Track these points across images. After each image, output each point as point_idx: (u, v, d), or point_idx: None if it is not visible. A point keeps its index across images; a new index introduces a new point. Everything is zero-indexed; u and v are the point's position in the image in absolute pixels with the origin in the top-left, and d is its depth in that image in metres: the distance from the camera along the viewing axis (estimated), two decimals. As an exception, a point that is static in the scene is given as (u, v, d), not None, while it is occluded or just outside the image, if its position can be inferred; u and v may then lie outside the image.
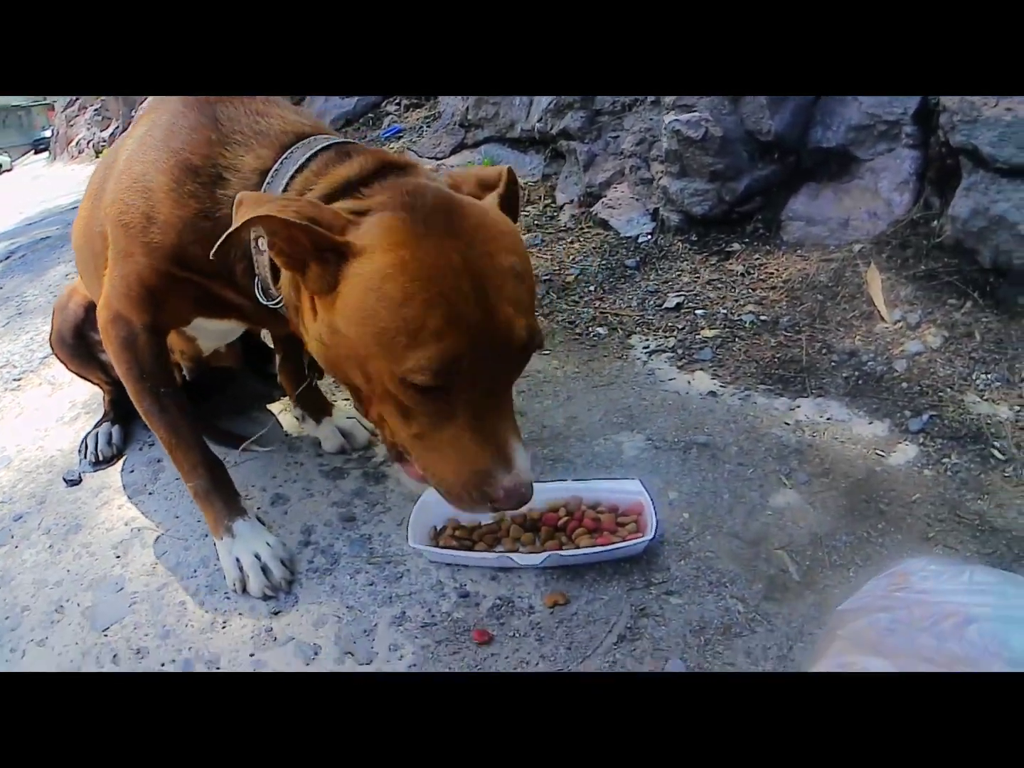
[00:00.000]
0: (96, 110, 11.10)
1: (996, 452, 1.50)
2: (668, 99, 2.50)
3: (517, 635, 1.17)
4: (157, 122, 1.28)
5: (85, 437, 1.90)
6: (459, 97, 3.74)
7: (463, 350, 0.93)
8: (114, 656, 1.28)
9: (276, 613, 1.30)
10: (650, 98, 2.66)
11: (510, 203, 1.13)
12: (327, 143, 1.14)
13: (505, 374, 1.01)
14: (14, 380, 2.51)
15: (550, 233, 2.71)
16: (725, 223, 2.41)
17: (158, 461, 1.79)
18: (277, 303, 1.16)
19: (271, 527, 1.47)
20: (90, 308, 1.75)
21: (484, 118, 3.44)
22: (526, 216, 2.91)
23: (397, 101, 4.65)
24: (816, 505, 1.40)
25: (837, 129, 2.25)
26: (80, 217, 1.62)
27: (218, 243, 0.98)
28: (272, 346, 2.07)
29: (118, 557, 1.52)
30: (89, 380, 1.96)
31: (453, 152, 3.60)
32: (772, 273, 2.16)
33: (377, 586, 1.31)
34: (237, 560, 1.36)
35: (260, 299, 1.18)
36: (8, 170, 22.72)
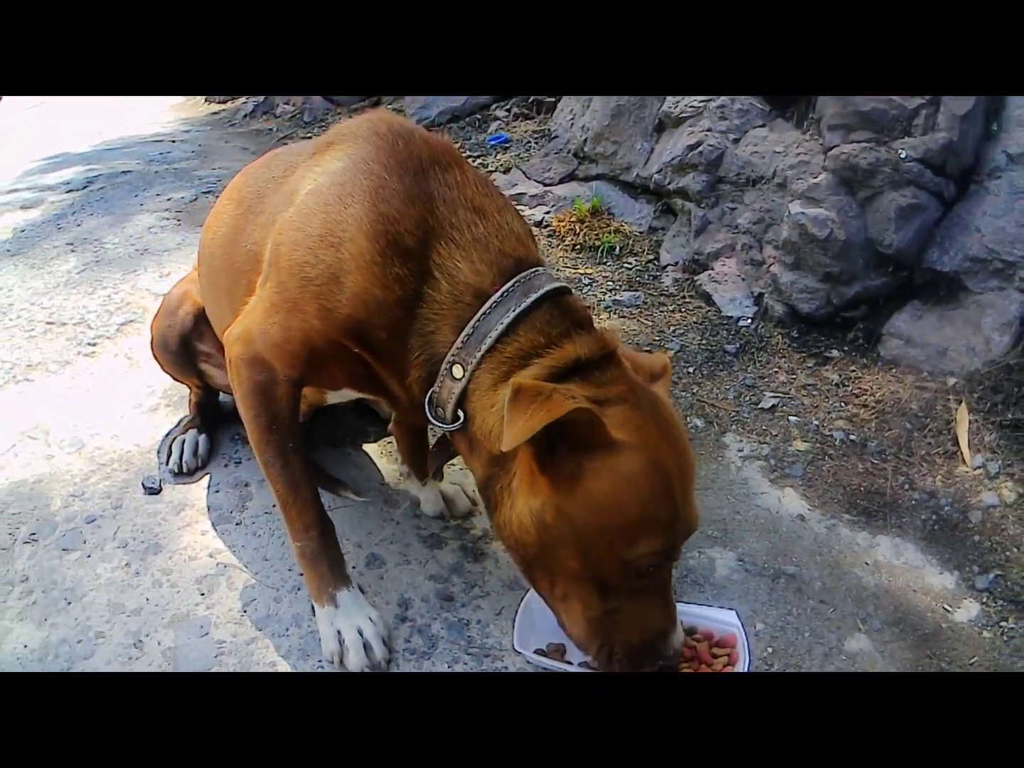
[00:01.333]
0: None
1: (1052, 623, 1.66)
2: (795, 186, 2.62)
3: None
4: (358, 165, 1.24)
5: (168, 441, 1.88)
6: (575, 124, 3.84)
7: (678, 540, 1.13)
8: None
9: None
10: (776, 179, 2.77)
11: None
12: (546, 290, 1.17)
13: (680, 551, 1.19)
14: (89, 344, 2.45)
15: (652, 295, 2.86)
16: (827, 326, 2.54)
17: (246, 485, 1.82)
18: (448, 426, 1.20)
19: (367, 592, 1.51)
20: (199, 317, 1.75)
21: (601, 154, 3.54)
22: (627, 268, 3.05)
23: (507, 108, 4.71)
24: (886, 655, 1.57)
25: (954, 255, 2.36)
26: (219, 221, 1.58)
27: (512, 441, 1.00)
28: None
29: (203, 595, 1.54)
30: (181, 382, 1.94)
31: (562, 181, 3.71)
32: (865, 390, 2.30)
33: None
34: (338, 632, 1.35)
35: (427, 414, 1.21)
36: None
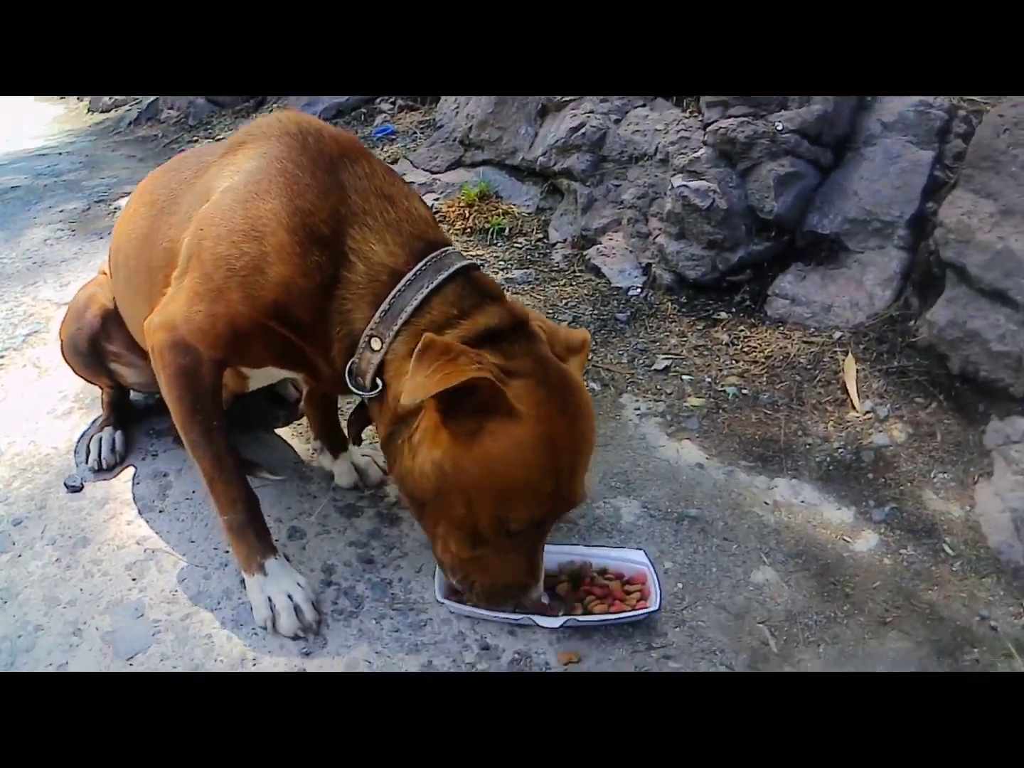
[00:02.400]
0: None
1: (947, 547, 1.68)
2: (677, 161, 2.65)
3: (533, 690, 1.29)
4: (272, 163, 1.29)
5: (86, 440, 1.87)
6: (460, 113, 3.81)
7: (554, 512, 1.22)
8: None
9: (307, 654, 1.35)
10: (659, 155, 2.80)
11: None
12: (457, 267, 1.24)
13: (556, 521, 1.29)
14: None
15: (543, 272, 2.83)
16: (715, 290, 2.56)
17: (164, 475, 1.81)
18: (367, 393, 1.26)
19: (291, 561, 1.51)
20: (107, 318, 1.77)
21: (486, 140, 3.53)
22: (517, 248, 3.02)
23: (392, 100, 4.69)
24: (791, 584, 1.55)
25: (834, 218, 2.42)
26: (131, 224, 1.59)
27: (415, 396, 1.08)
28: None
29: (134, 580, 1.53)
30: (93, 383, 1.95)
31: (449, 168, 3.68)
32: (755, 347, 2.32)
33: (402, 633, 1.39)
34: (269, 599, 1.38)
35: (347, 383, 1.27)
36: None
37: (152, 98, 6.56)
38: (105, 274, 1.87)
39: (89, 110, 8.10)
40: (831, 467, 1.89)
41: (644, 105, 2.96)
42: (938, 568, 1.62)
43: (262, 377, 1.57)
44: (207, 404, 1.36)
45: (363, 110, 4.66)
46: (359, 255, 1.24)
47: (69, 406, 2.11)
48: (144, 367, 1.77)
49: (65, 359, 1.89)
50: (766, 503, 1.76)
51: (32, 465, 1.87)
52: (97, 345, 1.78)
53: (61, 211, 3.84)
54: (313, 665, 1.33)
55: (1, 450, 1.94)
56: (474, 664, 1.33)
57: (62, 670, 1.33)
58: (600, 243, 2.89)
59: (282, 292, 1.24)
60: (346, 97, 4.75)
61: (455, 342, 1.13)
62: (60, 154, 5.54)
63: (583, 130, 3.00)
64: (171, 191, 1.51)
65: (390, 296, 1.22)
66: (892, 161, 2.37)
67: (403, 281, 1.22)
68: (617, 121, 2.97)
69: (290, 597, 1.38)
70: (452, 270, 1.23)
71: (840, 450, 1.94)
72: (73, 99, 9.92)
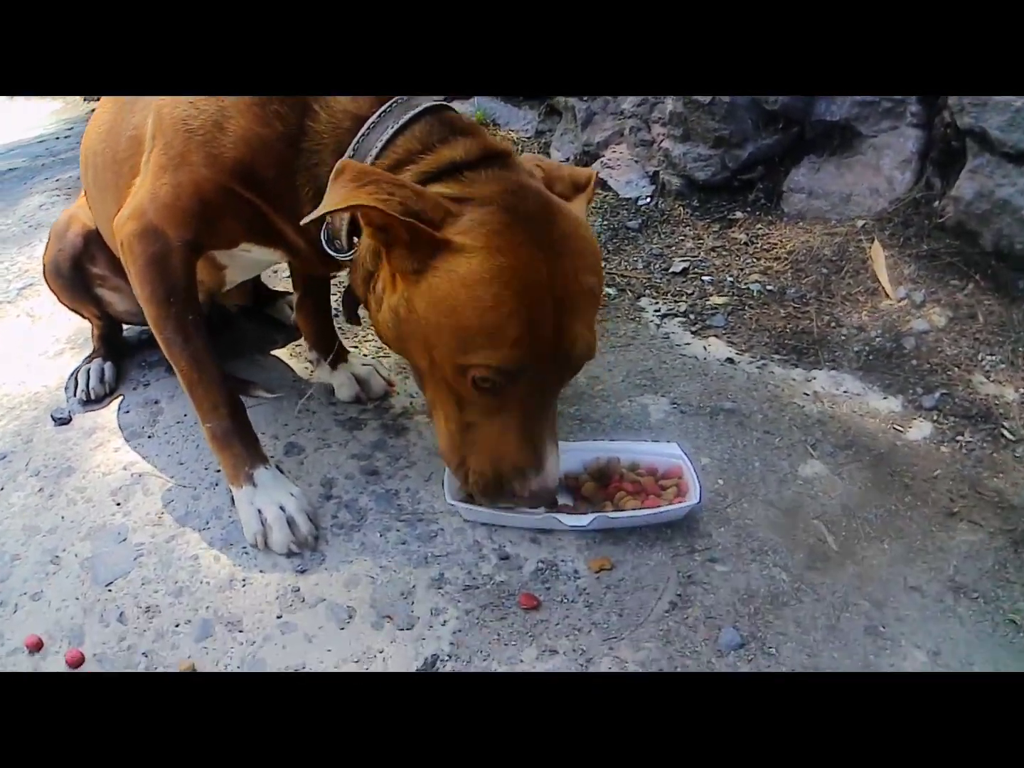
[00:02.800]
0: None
1: (1006, 432, 1.54)
2: (673, 60, 2.46)
3: (565, 601, 1.15)
4: None
5: (74, 373, 1.78)
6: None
7: (529, 360, 1.01)
8: (120, 614, 1.21)
9: (302, 571, 1.24)
10: (652, 58, 2.61)
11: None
12: (426, 106, 1.12)
13: (557, 382, 1.11)
14: None
15: (545, 190, 2.66)
16: (727, 190, 2.40)
17: (155, 402, 1.69)
18: (344, 255, 1.14)
19: (287, 476, 1.40)
20: (90, 238, 1.66)
21: (473, 66, 3.33)
22: (519, 171, 2.85)
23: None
24: (843, 477, 1.41)
25: (842, 103, 2.24)
26: (98, 122, 1.51)
27: (312, 215, 0.98)
28: (274, 288, 1.99)
29: (118, 504, 1.42)
30: (80, 314, 1.85)
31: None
32: (775, 244, 2.16)
33: (410, 545, 1.26)
34: (259, 512, 1.27)
35: (324, 247, 1.15)
36: None
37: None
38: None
39: (85, 99, 8.09)
40: (871, 356, 1.75)
41: (637, 4, 2.76)
42: (1000, 454, 1.48)
43: (238, 268, 1.47)
44: (180, 296, 1.25)
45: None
46: (321, 103, 1.14)
47: (61, 347, 2.01)
48: (130, 291, 1.62)
49: (49, 285, 1.80)
50: (806, 394, 1.61)
51: (21, 403, 1.78)
52: (80, 267, 1.68)
53: (57, 180, 3.81)
54: (308, 583, 1.20)
55: None
56: (492, 576, 1.19)
57: (37, 599, 1.24)
58: (604, 156, 2.73)
59: (243, 147, 1.15)
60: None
61: (376, 169, 1.02)
62: (57, 138, 5.44)
63: (574, 37, 2.80)
64: None
65: (353, 142, 1.11)
66: (902, 33, 2.19)
67: (367, 124, 1.11)
68: (609, 24, 2.77)
69: (282, 508, 1.26)
70: (420, 108, 1.12)
71: (878, 339, 1.79)
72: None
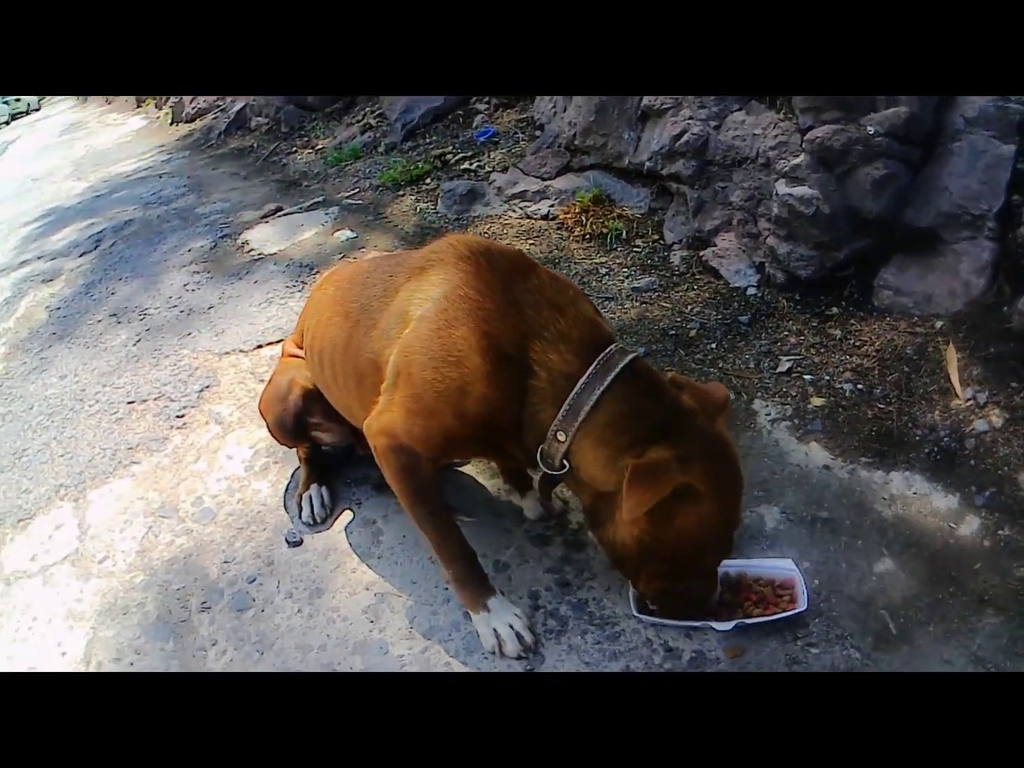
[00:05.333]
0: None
1: (1040, 526, 2.05)
2: (778, 166, 2.95)
3: (712, 680, 1.78)
4: (455, 290, 1.57)
5: (296, 498, 2.18)
6: (558, 114, 4.11)
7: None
8: None
9: (531, 670, 1.68)
10: (760, 159, 3.10)
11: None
12: (621, 366, 1.51)
13: None
14: (177, 416, 2.67)
15: (664, 276, 3.21)
16: (824, 287, 2.89)
17: (373, 523, 2.13)
18: (556, 472, 1.59)
19: (504, 592, 1.80)
20: (309, 398, 2.09)
21: (592, 146, 3.85)
22: (637, 252, 3.39)
23: (487, 100, 4.92)
24: (906, 572, 1.97)
25: (927, 212, 2.68)
26: (332, 332, 1.89)
27: (631, 513, 1.43)
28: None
29: (371, 622, 1.81)
30: (292, 448, 2.29)
31: (559, 174, 4.01)
32: (865, 341, 2.66)
33: (603, 645, 1.73)
34: (495, 630, 1.70)
35: (540, 464, 1.59)
36: (36, 109, 20.30)
37: (239, 106, 6.59)
38: (293, 356, 2.22)
39: (173, 121, 7.84)
40: (938, 456, 2.26)
41: (740, 109, 3.23)
42: (1031, 546, 1.99)
43: None
44: (428, 490, 1.71)
45: (460, 112, 4.91)
46: (541, 365, 1.52)
47: (264, 461, 2.39)
48: (338, 430, 2.14)
49: (271, 433, 2.22)
50: (884, 498, 2.15)
51: (248, 524, 2.16)
52: (301, 420, 2.11)
53: (189, 250, 3.99)
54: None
55: (213, 511, 2.22)
56: (661, 664, 1.77)
57: None
58: (714, 244, 3.23)
59: (484, 405, 1.53)
60: (442, 100, 4.97)
61: (653, 459, 1.44)
62: (160, 177, 5.56)
63: (685, 137, 3.31)
64: (363, 306, 1.80)
65: (569, 398, 1.50)
66: (977, 156, 2.60)
67: (579, 385, 1.50)
68: (716, 127, 3.26)
69: (511, 627, 1.71)
70: (617, 370, 1.51)
71: (945, 439, 2.30)
72: (151, 108, 9.68)
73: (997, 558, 1.96)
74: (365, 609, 1.89)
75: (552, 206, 3.77)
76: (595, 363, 1.52)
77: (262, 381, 2.73)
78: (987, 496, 2.12)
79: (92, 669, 1.84)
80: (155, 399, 2.79)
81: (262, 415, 2.21)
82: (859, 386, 2.51)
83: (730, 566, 1.92)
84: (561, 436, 1.54)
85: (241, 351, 3.01)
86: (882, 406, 2.44)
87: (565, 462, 1.57)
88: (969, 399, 2.38)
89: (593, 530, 1.69)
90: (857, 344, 2.66)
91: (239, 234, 4.07)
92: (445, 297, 1.58)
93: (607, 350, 1.55)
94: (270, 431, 2.22)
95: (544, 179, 4.00)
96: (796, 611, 1.80)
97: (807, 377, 2.58)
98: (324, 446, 2.26)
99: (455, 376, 1.54)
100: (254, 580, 2.00)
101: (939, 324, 2.60)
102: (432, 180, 4.26)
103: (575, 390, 1.51)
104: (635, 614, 1.84)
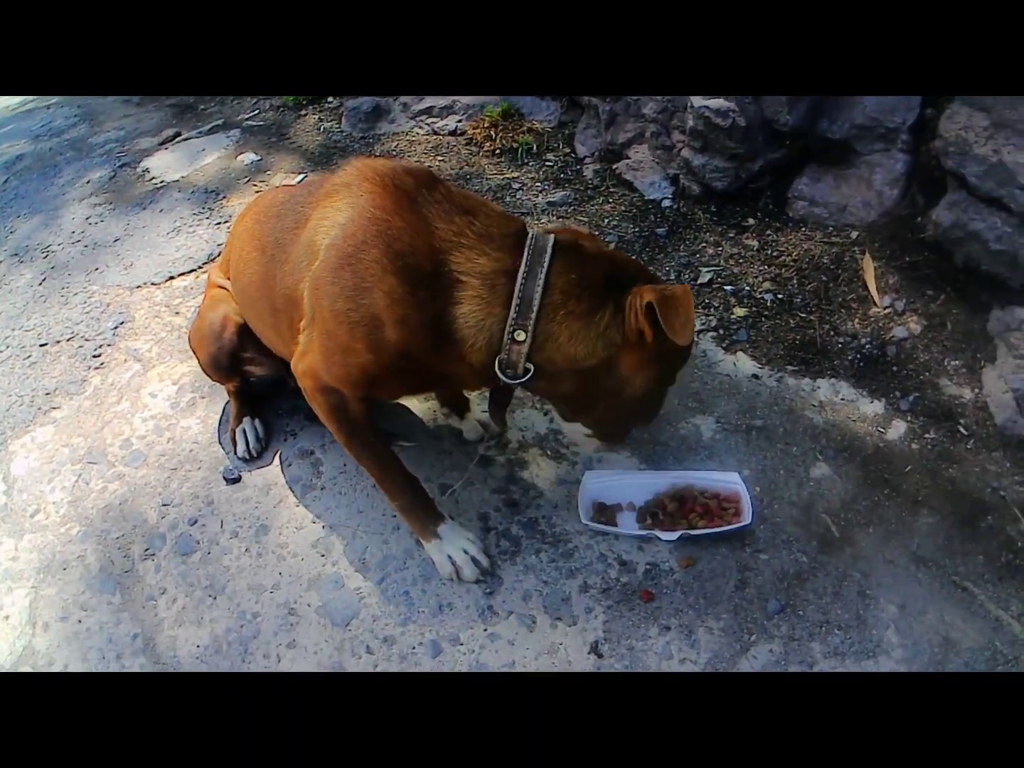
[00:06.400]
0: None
1: (962, 428, 2.08)
2: (691, 74, 2.84)
3: (668, 591, 1.71)
4: (362, 213, 1.44)
5: (229, 433, 2.08)
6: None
7: None
8: (367, 647, 1.61)
9: (490, 593, 1.69)
10: (671, 67, 2.98)
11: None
12: (551, 242, 1.40)
13: None
14: (93, 356, 2.50)
15: (579, 190, 3.08)
16: (740, 198, 2.84)
17: (310, 453, 2.05)
18: (519, 380, 1.44)
19: (453, 517, 1.77)
20: (242, 333, 1.97)
21: (499, 53, 3.63)
22: (549, 166, 3.25)
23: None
24: (841, 476, 1.96)
25: (842, 124, 2.65)
26: (249, 268, 1.78)
27: (687, 336, 1.30)
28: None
29: (323, 556, 1.79)
30: (222, 383, 2.16)
31: (466, 86, 3.79)
32: (783, 251, 2.64)
33: (558, 562, 1.75)
34: (449, 556, 1.69)
35: (499, 375, 1.43)
36: None
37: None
38: (221, 287, 2.06)
39: None
40: (862, 363, 2.26)
41: (655, 13, 3.09)
42: (956, 447, 2.03)
43: None
44: (361, 426, 1.64)
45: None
46: (470, 273, 1.39)
47: (190, 397, 2.27)
48: (270, 363, 2.02)
49: (205, 372, 2.09)
50: (813, 405, 2.14)
51: (182, 463, 2.07)
52: (236, 357, 2.00)
53: (87, 182, 3.72)
54: (497, 601, 1.68)
55: (143, 453, 2.11)
56: (618, 579, 1.73)
57: (293, 647, 1.62)
58: (627, 157, 3.12)
59: (403, 331, 1.40)
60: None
61: (655, 287, 1.35)
62: (48, 108, 5.08)
63: (598, 42, 3.14)
64: (277, 239, 1.68)
65: (515, 293, 1.37)
66: (896, 69, 2.58)
67: (519, 277, 1.37)
68: (631, 31, 3.11)
69: (465, 551, 1.69)
70: (550, 249, 1.39)
71: (867, 346, 2.30)
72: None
73: (926, 460, 1.99)
74: (314, 543, 1.83)
75: (460, 121, 3.57)
76: (526, 251, 1.40)
77: (178, 314, 2.62)
78: (911, 401, 2.14)
79: (38, 630, 1.76)
80: (68, 339, 2.61)
81: (193, 352, 2.09)
82: (779, 296, 2.48)
83: (677, 477, 1.87)
84: (520, 335, 1.40)
85: (153, 284, 2.82)
86: (803, 315, 2.42)
87: (529, 365, 1.43)
88: (887, 307, 2.39)
89: (583, 415, 1.58)
90: (775, 254, 2.63)
91: (138, 162, 3.80)
92: (352, 221, 1.45)
93: (529, 235, 1.44)
94: (203, 368, 2.09)
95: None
96: (740, 525, 1.77)
97: (728, 288, 2.53)
98: (254, 379, 2.14)
99: (368, 303, 1.41)
100: (196, 522, 1.91)
101: (855, 234, 2.59)
102: (335, 98, 3.98)
103: (518, 283, 1.39)
104: (584, 522, 1.78)
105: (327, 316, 1.47)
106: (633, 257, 1.55)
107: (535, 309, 1.39)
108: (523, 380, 1.45)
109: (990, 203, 2.22)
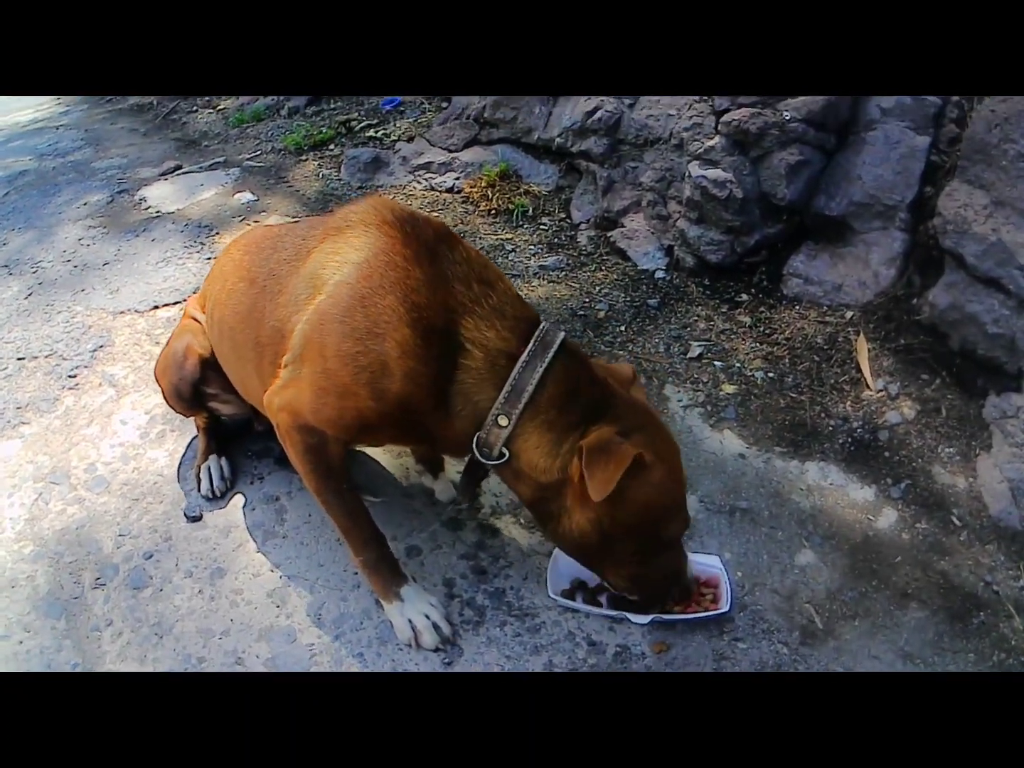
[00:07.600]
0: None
1: (955, 519, 2.00)
2: (692, 147, 2.84)
3: (637, 677, 1.62)
4: (379, 256, 1.43)
5: (194, 469, 2.03)
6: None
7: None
8: None
9: (448, 664, 1.59)
10: (673, 140, 2.98)
11: None
12: (557, 344, 1.41)
13: None
14: (69, 376, 2.49)
15: (572, 256, 3.06)
16: (734, 272, 2.81)
17: (276, 499, 1.98)
18: (492, 461, 1.45)
19: (416, 579, 1.70)
20: (206, 366, 1.91)
21: (501, 119, 3.66)
22: (544, 230, 3.24)
23: (393, 71, 4.72)
24: (827, 564, 1.87)
25: (840, 201, 2.64)
26: (234, 299, 1.73)
27: (599, 492, 1.31)
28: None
29: (278, 607, 1.71)
30: (188, 417, 2.12)
31: (466, 146, 3.81)
32: (776, 329, 2.59)
33: (523, 637, 1.65)
34: (409, 621, 1.60)
35: (475, 452, 1.44)
36: None
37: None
38: (194, 319, 2.02)
39: None
40: (852, 447, 2.19)
41: (656, 87, 3.10)
42: (948, 539, 1.94)
43: None
44: (335, 472, 1.57)
45: (367, 81, 4.70)
46: (475, 343, 1.40)
47: (160, 428, 2.24)
48: (237, 402, 1.98)
49: (168, 403, 2.05)
50: (801, 488, 2.06)
51: (144, 495, 2.01)
52: (198, 390, 1.94)
53: (84, 204, 3.81)
54: (456, 672, 1.61)
55: (106, 480, 2.05)
56: (585, 660, 1.63)
57: None
58: (623, 225, 3.10)
59: (408, 384, 1.39)
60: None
61: (604, 436, 1.36)
62: (57, 128, 5.36)
63: (598, 114, 3.17)
64: (271, 271, 1.64)
65: (511, 379, 1.39)
66: (892, 147, 2.57)
67: (519, 364, 1.39)
68: (631, 105, 3.13)
69: (427, 616, 1.61)
70: (555, 348, 1.41)
71: (859, 430, 2.23)
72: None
73: (916, 551, 1.90)
74: (270, 592, 1.76)
75: (458, 179, 3.58)
76: (532, 341, 1.41)
77: (158, 344, 2.56)
78: (903, 488, 2.06)
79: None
80: (46, 356, 2.59)
81: (157, 381, 2.05)
82: (770, 374, 2.43)
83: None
84: (503, 420, 1.41)
85: (136, 311, 2.81)
86: (794, 395, 2.36)
87: (504, 450, 1.43)
88: (881, 390, 2.33)
89: (543, 526, 1.57)
90: (767, 332, 2.58)
91: (137, 190, 3.85)
92: (367, 262, 1.43)
93: (540, 327, 1.45)
94: (165, 398, 2.05)
95: (451, 151, 3.80)
96: (716, 612, 1.68)
97: (718, 363, 2.47)
98: (222, 417, 2.09)
99: (379, 350, 1.38)
100: (151, 556, 1.85)
101: (849, 314, 2.55)
102: (336, 146, 4.04)
103: (516, 369, 1.40)
104: (552, 595, 1.70)
105: (329, 355, 1.43)
106: (641, 400, 1.58)
107: (523, 401, 1.39)
108: (495, 463, 1.46)
109: (988, 284, 2.19)
